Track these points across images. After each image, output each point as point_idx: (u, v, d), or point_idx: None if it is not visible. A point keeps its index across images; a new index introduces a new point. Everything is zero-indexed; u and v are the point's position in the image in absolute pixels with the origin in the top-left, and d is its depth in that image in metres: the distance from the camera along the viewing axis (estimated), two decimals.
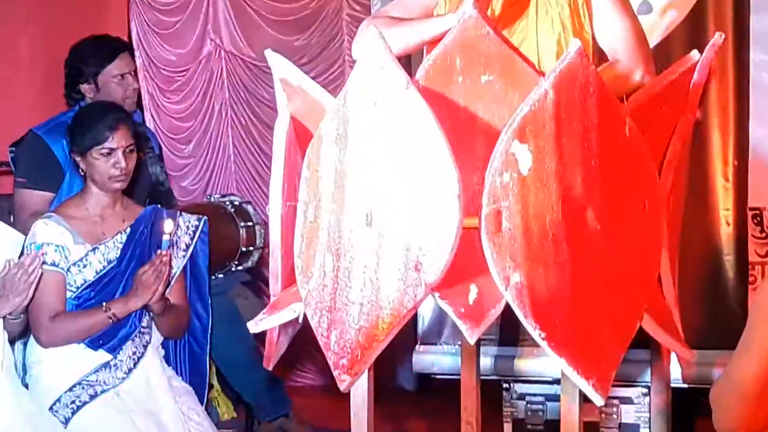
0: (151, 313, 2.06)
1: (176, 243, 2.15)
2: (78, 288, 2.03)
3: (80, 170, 2.08)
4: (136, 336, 2.05)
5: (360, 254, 1.27)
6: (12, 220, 2.41)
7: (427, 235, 1.22)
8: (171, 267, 2.04)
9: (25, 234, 2.04)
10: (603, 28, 1.60)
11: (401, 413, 3.45)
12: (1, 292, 1.78)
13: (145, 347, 2.07)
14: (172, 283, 2.11)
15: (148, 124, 3.91)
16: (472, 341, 1.28)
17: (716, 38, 1.59)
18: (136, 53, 4.12)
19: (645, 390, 2.18)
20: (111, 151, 2.00)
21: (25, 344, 2.11)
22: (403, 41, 1.52)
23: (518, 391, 2.39)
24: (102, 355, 2.02)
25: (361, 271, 1.27)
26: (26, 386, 2.04)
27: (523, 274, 1.18)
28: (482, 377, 1.97)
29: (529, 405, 2.35)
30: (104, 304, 1.99)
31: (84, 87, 2.52)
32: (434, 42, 1.46)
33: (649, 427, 2.01)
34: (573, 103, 1.20)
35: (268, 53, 1.50)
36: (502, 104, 1.29)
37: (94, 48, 2.54)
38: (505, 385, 2.37)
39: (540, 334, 1.17)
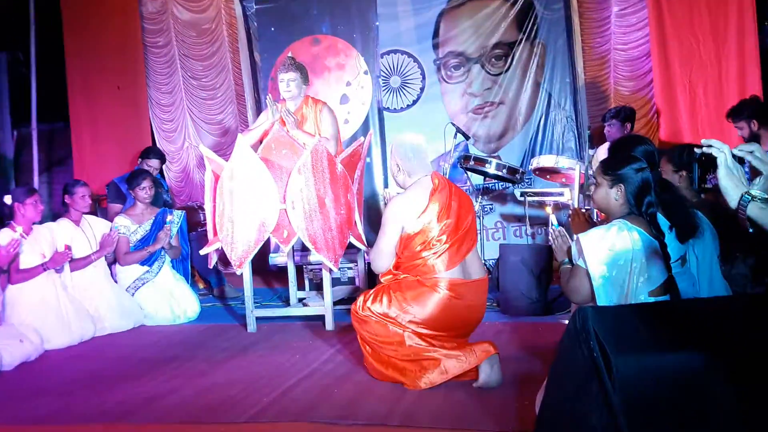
0: (164, 249, 4.47)
1: (172, 222, 4.50)
2: (134, 242, 4.47)
3: (133, 196, 4.58)
4: (158, 259, 4.47)
5: (238, 223, 3.38)
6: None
7: (268, 213, 3.34)
8: (170, 232, 4.43)
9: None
10: (325, 127, 3.90)
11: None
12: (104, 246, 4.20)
13: (163, 263, 4.49)
14: (172, 238, 4.52)
15: None
16: (286, 249, 3.42)
17: (367, 137, 3.90)
18: None
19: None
20: (144, 189, 4.48)
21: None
22: (252, 137, 3.68)
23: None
24: (146, 268, 4.45)
25: (239, 229, 3.39)
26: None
27: (304, 228, 3.33)
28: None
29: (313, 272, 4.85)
30: (145, 248, 4.41)
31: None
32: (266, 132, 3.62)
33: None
34: (317, 156, 3.38)
35: (202, 148, 3.64)
36: (291, 161, 3.46)
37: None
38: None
39: (312, 247, 3.33)
